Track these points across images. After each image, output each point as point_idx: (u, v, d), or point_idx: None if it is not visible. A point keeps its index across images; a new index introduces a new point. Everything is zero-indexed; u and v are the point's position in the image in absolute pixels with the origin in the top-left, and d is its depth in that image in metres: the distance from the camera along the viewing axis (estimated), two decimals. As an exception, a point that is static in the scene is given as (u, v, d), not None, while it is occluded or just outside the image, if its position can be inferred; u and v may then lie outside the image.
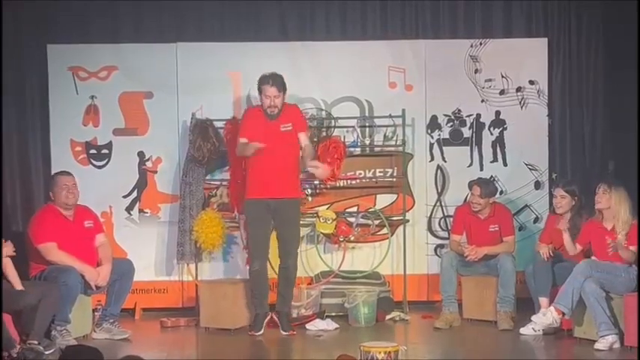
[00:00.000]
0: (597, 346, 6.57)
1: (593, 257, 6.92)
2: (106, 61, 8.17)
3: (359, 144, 8.25)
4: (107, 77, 8.18)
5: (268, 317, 7.35)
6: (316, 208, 8.12)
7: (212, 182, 8.15)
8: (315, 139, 7.96)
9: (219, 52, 8.23)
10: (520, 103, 8.36)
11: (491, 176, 8.25)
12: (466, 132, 8.36)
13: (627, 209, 6.79)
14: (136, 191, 8.23)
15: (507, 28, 8.41)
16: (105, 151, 8.21)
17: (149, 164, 8.24)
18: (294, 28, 8.35)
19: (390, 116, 8.19)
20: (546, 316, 6.83)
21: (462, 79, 8.31)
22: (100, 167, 8.23)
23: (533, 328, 7.06)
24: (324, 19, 8.37)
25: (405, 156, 8.25)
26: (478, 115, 8.34)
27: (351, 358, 5.42)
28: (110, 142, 8.21)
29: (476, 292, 7.70)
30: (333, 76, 8.28)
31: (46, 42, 8.11)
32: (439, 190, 8.35)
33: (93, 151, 8.21)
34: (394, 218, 8.20)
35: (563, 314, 6.76)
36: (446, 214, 8.31)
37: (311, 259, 8.18)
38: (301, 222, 7.66)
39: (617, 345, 6.57)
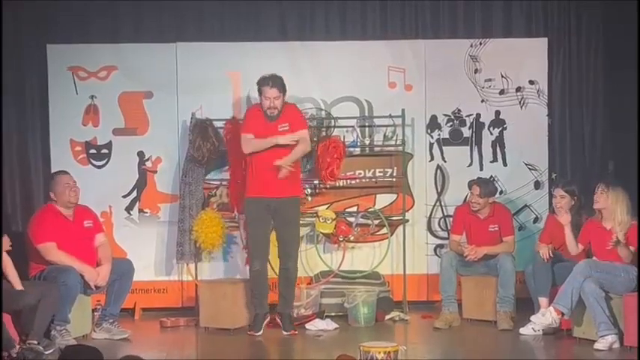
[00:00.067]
0: (597, 346, 6.57)
1: (594, 257, 6.92)
2: (106, 61, 8.17)
3: (359, 144, 8.24)
4: (107, 77, 8.18)
5: (268, 319, 7.34)
6: (316, 208, 8.12)
7: (212, 182, 8.14)
8: (315, 139, 7.96)
9: (219, 52, 8.23)
10: (520, 103, 8.35)
11: (491, 176, 8.24)
12: (466, 132, 8.35)
13: (624, 210, 6.78)
14: (135, 191, 8.23)
15: (507, 28, 8.41)
16: (105, 150, 8.21)
17: (149, 164, 8.24)
18: (293, 28, 8.35)
19: (390, 116, 8.18)
20: (546, 316, 6.83)
21: (461, 79, 8.31)
22: (99, 167, 8.22)
23: (532, 328, 7.06)
24: (324, 19, 8.36)
25: (405, 156, 8.25)
26: (478, 115, 8.34)
27: (351, 358, 5.43)
28: (110, 142, 8.21)
29: (475, 292, 7.70)
30: (333, 76, 8.27)
31: (45, 42, 8.11)
32: (439, 190, 8.35)
33: (93, 151, 8.21)
34: (394, 218, 8.19)
35: (563, 314, 6.76)
36: (445, 214, 8.31)
37: (310, 259, 8.17)
38: (301, 222, 7.65)
39: (616, 345, 6.57)
